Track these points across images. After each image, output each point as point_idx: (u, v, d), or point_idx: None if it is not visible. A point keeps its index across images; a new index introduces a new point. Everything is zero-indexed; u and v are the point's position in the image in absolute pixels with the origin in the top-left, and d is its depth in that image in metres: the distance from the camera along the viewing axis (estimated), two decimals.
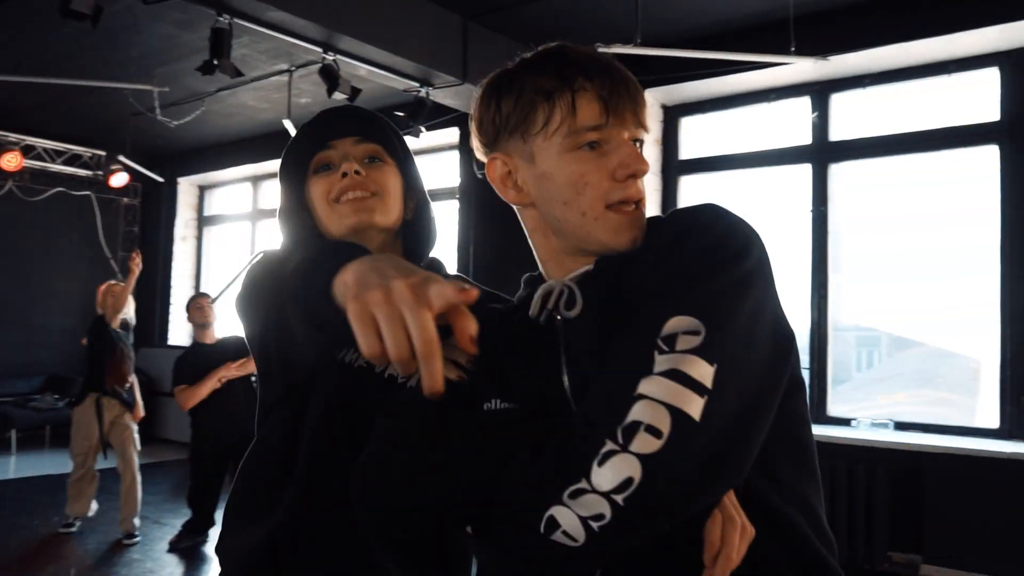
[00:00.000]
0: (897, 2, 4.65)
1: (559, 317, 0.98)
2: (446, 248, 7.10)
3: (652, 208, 3.56)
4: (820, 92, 5.29)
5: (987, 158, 4.74)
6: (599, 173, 0.96)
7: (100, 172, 8.38)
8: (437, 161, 7.41)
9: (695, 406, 0.77)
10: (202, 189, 9.72)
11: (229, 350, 4.67)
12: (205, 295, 5.01)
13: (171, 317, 9.38)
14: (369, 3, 4.64)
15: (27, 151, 7.85)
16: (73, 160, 8.44)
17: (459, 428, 0.87)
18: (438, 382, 0.69)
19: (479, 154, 1.07)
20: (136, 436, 4.98)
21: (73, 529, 5.03)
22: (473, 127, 1.07)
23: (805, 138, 5.36)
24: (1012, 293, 4.54)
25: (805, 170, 5.35)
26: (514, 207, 1.07)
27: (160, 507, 5.73)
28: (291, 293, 0.94)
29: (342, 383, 1.16)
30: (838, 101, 5.30)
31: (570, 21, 5.09)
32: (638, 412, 0.78)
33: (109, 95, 6.58)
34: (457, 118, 6.36)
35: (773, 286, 0.90)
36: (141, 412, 5.08)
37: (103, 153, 8.31)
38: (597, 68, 0.98)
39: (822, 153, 5.27)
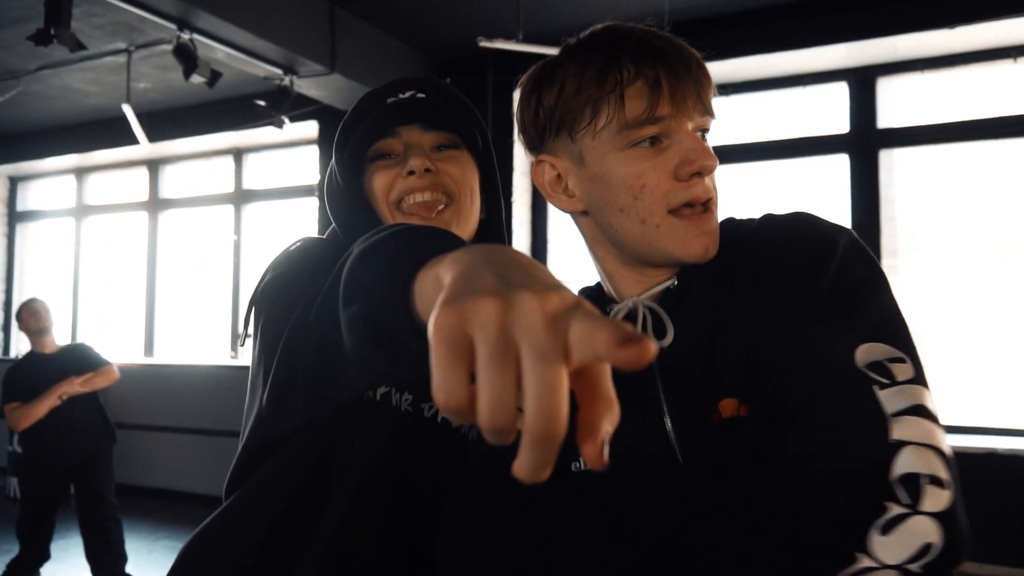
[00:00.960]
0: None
1: None
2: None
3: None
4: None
5: None
6: (658, 173, 0.83)
7: None
8: (295, 156, 6.98)
9: (945, 442, 0.68)
10: (13, 180, 8.64)
11: (71, 361, 4.09)
12: (36, 300, 4.37)
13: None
14: None
15: None
16: None
17: (560, 504, 0.70)
18: (545, 473, 0.42)
19: (527, 157, 0.91)
20: None
21: None
22: (516, 127, 0.93)
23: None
24: None
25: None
26: (569, 216, 0.92)
27: None
28: (348, 291, 0.66)
29: (398, 433, 0.92)
30: None
31: (449, 14, 4.93)
32: (908, 462, 0.66)
33: None
34: (319, 111, 6.02)
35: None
36: None
37: None
38: (649, 49, 0.83)
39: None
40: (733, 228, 0.87)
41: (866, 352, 0.71)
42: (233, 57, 4.60)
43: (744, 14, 4.88)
